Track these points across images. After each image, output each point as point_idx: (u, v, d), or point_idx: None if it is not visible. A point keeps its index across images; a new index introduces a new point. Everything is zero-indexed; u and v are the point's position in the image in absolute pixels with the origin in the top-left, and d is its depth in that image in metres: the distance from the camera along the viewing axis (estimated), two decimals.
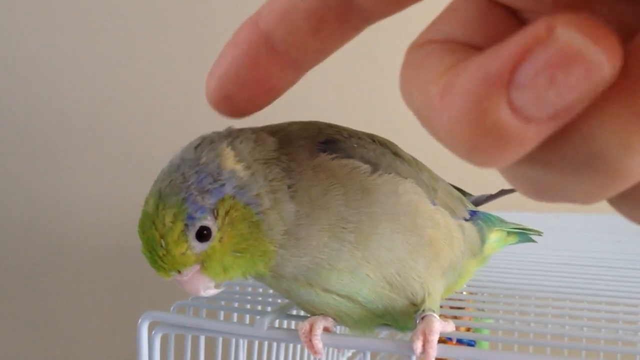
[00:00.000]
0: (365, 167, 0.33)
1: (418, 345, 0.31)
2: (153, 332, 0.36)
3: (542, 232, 0.49)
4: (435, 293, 0.35)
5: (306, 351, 0.45)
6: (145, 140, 1.05)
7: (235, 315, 0.45)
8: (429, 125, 0.14)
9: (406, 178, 0.34)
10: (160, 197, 0.30)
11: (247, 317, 0.45)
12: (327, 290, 0.33)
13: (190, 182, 0.30)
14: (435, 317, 0.33)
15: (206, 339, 0.39)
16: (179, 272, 0.31)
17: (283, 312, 0.38)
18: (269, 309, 0.38)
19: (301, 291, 0.34)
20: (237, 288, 0.45)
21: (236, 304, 0.43)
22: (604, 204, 0.17)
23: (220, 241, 0.30)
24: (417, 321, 0.33)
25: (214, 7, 1.03)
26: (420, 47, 0.16)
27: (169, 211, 0.30)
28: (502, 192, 0.47)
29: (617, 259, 0.63)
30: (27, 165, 1.08)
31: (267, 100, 0.26)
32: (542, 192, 0.15)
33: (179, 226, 0.30)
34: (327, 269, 0.32)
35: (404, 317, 0.35)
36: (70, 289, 1.08)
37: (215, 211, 0.30)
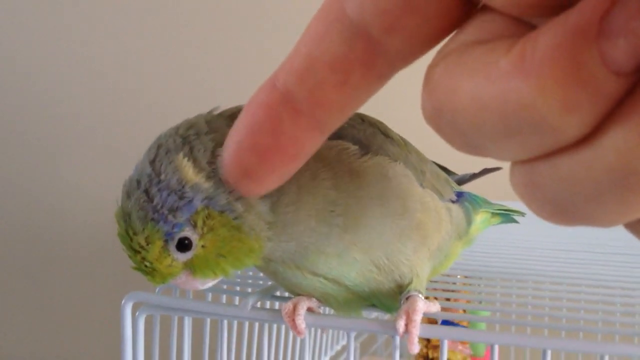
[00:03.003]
0: (355, 149, 0.32)
1: (401, 325, 0.31)
2: (137, 313, 0.36)
3: (524, 213, 0.48)
4: (422, 275, 0.35)
5: (292, 333, 0.44)
6: (133, 137, 1.05)
7: (224, 296, 0.44)
8: (499, 102, 0.13)
9: (396, 160, 0.33)
10: (128, 221, 0.29)
11: (237, 298, 0.45)
12: (314, 274, 0.33)
13: (155, 202, 0.29)
14: (419, 297, 0.33)
15: (194, 321, 0.38)
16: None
17: (268, 293, 0.37)
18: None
19: (288, 274, 0.33)
20: None
21: (225, 286, 0.42)
22: None
23: (203, 247, 0.30)
24: (402, 302, 0.33)
25: (213, 8, 1.03)
26: (451, 51, 0.15)
27: (140, 235, 0.29)
28: (486, 171, 0.46)
29: (614, 245, 0.63)
30: (23, 160, 1.09)
31: (291, 170, 0.22)
32: (563, 212, 0.14)
33: (158, 244, 0.29)
34: (315, 253, 0.32)
35: (390, 299, 0.35)
36: (54, 270, 1.09)
37: (192, 221, 0.29)
